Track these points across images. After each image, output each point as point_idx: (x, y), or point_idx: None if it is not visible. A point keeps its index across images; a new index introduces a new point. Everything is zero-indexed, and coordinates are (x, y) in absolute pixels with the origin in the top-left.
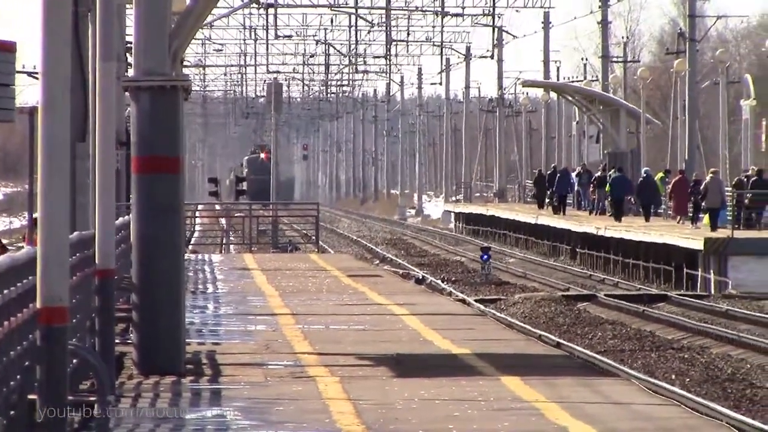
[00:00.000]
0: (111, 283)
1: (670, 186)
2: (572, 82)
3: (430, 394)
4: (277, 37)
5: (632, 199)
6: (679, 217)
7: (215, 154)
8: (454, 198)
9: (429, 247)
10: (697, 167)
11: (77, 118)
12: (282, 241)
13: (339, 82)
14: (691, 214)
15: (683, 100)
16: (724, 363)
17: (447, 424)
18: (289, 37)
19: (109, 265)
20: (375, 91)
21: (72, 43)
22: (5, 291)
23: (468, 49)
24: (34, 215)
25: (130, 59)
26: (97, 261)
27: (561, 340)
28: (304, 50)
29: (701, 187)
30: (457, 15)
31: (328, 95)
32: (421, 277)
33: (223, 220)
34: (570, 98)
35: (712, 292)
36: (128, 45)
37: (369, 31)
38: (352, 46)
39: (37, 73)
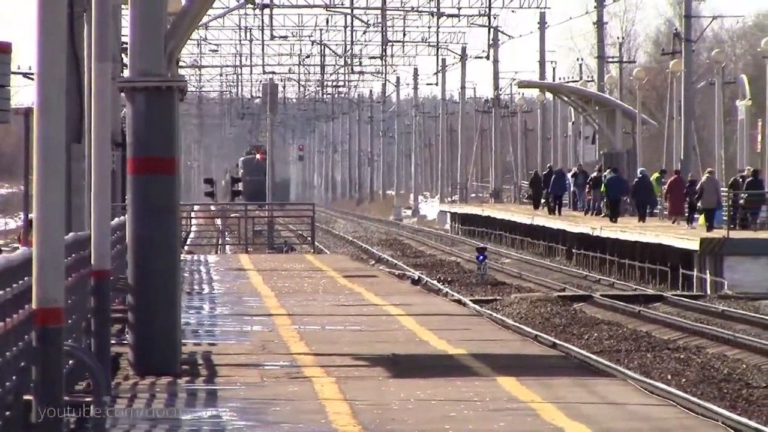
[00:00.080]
0: (107, 283)
1: (665, 186)
2: (568, 82)
3: (426, 395)
4: (272, 37)
5: (628, 200)
6: (674, 218)
7: (211, 154)
8: (449, 198)
9: (425, 247)
10: (693, 168)
11: (73, 119)
12: (278, 241)
13: (335, 83)
14: (686, 215)
15: (679, 101)
16: (720, 363)
17: (443, 424)
18: (285, 37)
19: (104, 265)
20: (371, 91)
21: (67, 43)
22: (0, 292)
23: (464, 49)
24: (30, 216)
25: (126, 60)
26: (92, 262)
27: (557, 341)
28: (300, 51)
29: (697, 188)
30: (452, 15)
31: (324, 96)
32: (417, 278)
33: (218, 221)
34: (566, 99)
35: (708, 292)
36: (124, 46)
37: (365, 32)
38: (348, 47)
39: (32, 74)
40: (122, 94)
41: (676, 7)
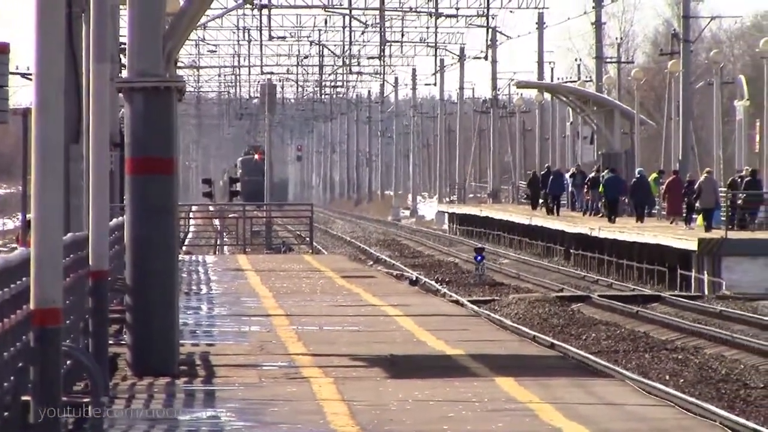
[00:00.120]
0: (104, 284)
1: (663, 187)
2: (566, 82)
3: (424, 395)
4: (270, 38)
5: (626, 200)
6: (672, 218)
7: (209, 155)
8: (448, 199)
9: (423, 248)
10: (691, 168)
11: (71, 119)
12: (276, 242)
13: (333, 83)
14: (684, 215)
15: (677, 101)
16: (718, 363)
17: (441, 425)
18: (283, 38)
19: (102, 266)
20: (369, 92)
21: (66, 44)
22: None
23: (462, 50)
24: (28, 216)
25: (124, 60)
26: (90, 262)
27: (555, 341)
28: (298, 51)
29: (695, 188)
30: (451, 16)
31: (322, 96)
32: (415, 278)
33: (216, 221)
34: (564, 99)
35: (706, 292)
36: (122, 46)
37: (363, 32)
38: (346, 47)
39: (30, 74)
40: (120, 95)
41: (675, 8)
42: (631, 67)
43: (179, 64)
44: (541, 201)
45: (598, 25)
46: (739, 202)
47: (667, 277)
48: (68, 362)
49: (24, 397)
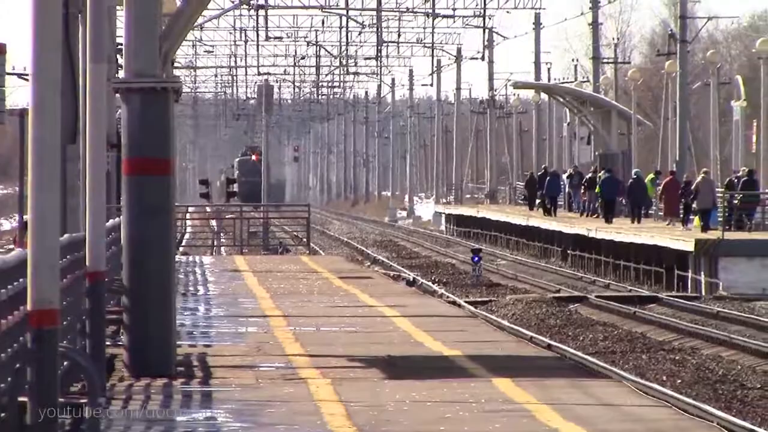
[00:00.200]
0: (101, 285)
1: (660, 187)
2: (563, 83)
3: (421, 396)
4: (267, 38)
5: (623, 201)
6: (669, 219)
7: (206, 155)
8: (445, 200)
9: (420, 248)
10: (688, 168)
11: (68, 120)
12: (273, 242)
13: (330, 84)
14: (681, 216)
15: (674, 102)
16: (715, 364)
17: (438, 425)
18: (280, 38)
19: (99, 267)
20: (366, 92)
21: (62, 44)
22: None
23: (459, 50)
24: (25, 217)
25: (121, 61)
26: (87, 263)
27: (552, 342)
28: (295, 52)
29: (692, 188)
30: (447, 16)
31: (319, 97)
32: (412, 279)
33: (213, 222)
34: (561, 99)
35: (703, 293)
36: (119, 47)
37: (360, 33)
38: (343, 48)
39: (27, 74)
40: (117, 95)
41: (671, 8)
42: (628, 68)
43: (176, 64)
44: (538, 202)
45: (595, 25)
46: (736, 202)
47: (664, 277)
48: (65, 363)
49: (21, 398)
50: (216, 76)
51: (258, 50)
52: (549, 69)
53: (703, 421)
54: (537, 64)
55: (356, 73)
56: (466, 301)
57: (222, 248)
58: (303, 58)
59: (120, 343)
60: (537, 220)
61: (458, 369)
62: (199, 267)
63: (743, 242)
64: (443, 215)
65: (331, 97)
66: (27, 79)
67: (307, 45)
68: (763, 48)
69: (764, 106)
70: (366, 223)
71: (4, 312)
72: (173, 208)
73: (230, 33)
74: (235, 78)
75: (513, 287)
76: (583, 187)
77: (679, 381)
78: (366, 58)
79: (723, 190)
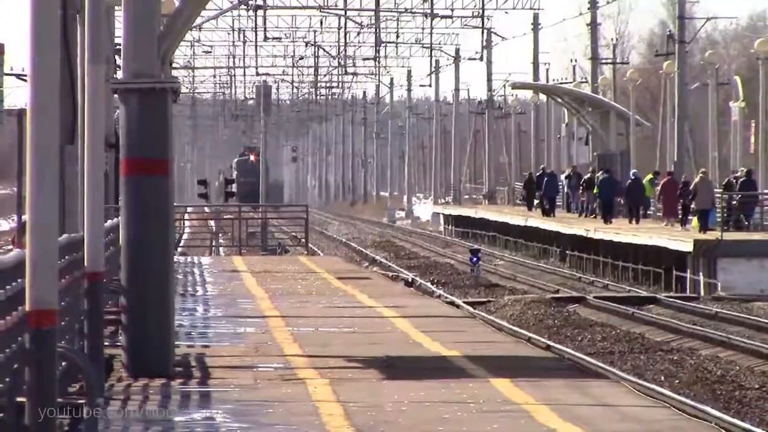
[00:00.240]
0: (100, 285)
1: (659, 188)
2: (561, 83)
3: (419, 397)
4: (266, 38)
5: (622, 201)
6: (667, 219)
7: (204, 156)
8: (443, 200)
9: (418, 249)
10: (687, 169)
11: (66, 120)
12: (271, 243)
13: (328, 84)
14: (680, 216)
15: (672, 102)
16: (714, 365)
17: (437, 426)
18: (278, 38)
19: (98, 267)
20: (364, 93)
21: (61, 45)
22: None
23: (457, 50)
24: (23, 218)
25: (119, 61)
26: (86, 264)
27: (550, 342)
28: (293, 52)
29: (690, 189)
30: (446, 17)
31: (318, 97)
32: (410, 280)
33: (212, 223)
34: (559, 100)
35: (702, 294)
36: (117, 47)
37: (358, 33)
38: (341, 48)
39: (25, 75)
40: (115, 96)
41: (670, 9)
42: (626, 68)
43: (174, 65)
44: (536, 202)
45: (594, 26)
46: (734, 203)
47: (663, 278)
48: (64, 363)
49: (19, 399)
50: (214, 76)
51: (256, 50)
52: (547, 69)
53: (702, 422)
54: (535, 64)
55: (355, 74)
56: (464, 302)
57: (220, 249)
58: (301, 58)
59: (118, 343)
60: (536, 220)
61: (457, 369)
62: (198, 267)
63: (742, 243)
64: (442, 216)
65: (330, 97)
66: (25, 80)
67: (306, 45)
68: (762, 48)
69: (763, 106)
70: (364, 224)
71: (3, 312)
72: (172, 209)
73: (229, 33)
74: (233, 78)
75: (511, 288)
76: (581, 187)
77: (678, 381)
78: (364, 59)
79: (721, 190)
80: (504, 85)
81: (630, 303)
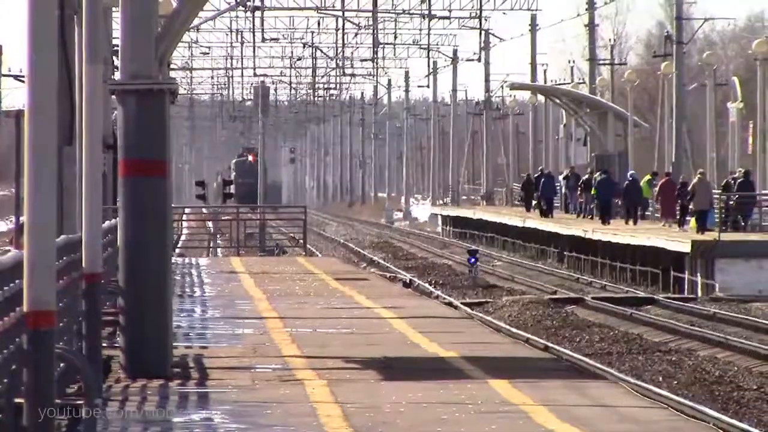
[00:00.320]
0: (98, 286)
1: (656, 189)
2: (559, 84)
3: (417, 398)
4: (263, 39)
5: (619, 202)
6: (665, 220)
7: (202, 157)
8: (441, 201)
9: (416, 250)
10: (685, 170)
11: (64, 121)
12: (269, 244)
13: (326, 85)
14: (678, 217)
15: (670, 103)
16: (712, 365)
17: (435, 427)
18: (276, 39)
19: (96, 268)
20: (362, 94)
21: (58, 46)
22: None
23: (455, 51)
24: (21, 219)
25: (117, 62)
26: (84, 264)
27: (548, 343)
28: (291, 53)
29: (688, 189)
30: (443, 18)
31: (315, 98)
32: (408, 281)
33: (210, 224)
34: (557, 101)
35: (699, 294)
36: (115, 48)
37: (356, 34)
38: (339, 49)
39: (23, 76)
40: (113, 97)
41: (668, 9)
42: (624, 69)
43: (172, 66)
44: (534, 203)
45: (592, 26)
46: (732, 203)
47: (661, 279)
48: (62, 364)
49: (18, 400)
50: (212, 77)
51: (254, 51)
52: (545, 70)
53: (700, 422)
54: (533, 65)
55: (352, 75)
56: (462, 303)
57: (218, 250)
58: (299, 59)
59: (116, 344)
60: (534, 221)
61: (455, 370)
62: (196, 268)
63: (740, 243)
64: (439, 216)
65: (328, 98)
66: (23, 81)
67: (303, 46)
68: (760, 49)
69: (761, 107)
70: (362, 225)
71: (1, 313)
72: (169, 210)
73: (226, 34)
74: (231, 79)
75: (509, 289)
76: (579, 188)
77: (676, 382)
78: (362, 60)
79: (719, 191)
80: (502, 86)
81: (628, 304)
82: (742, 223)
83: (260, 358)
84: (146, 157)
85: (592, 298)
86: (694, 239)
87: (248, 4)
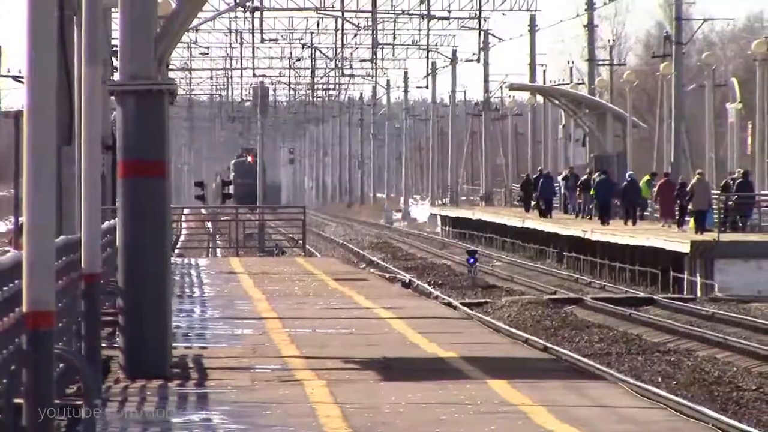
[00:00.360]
0: (97, 287)
1: (655, 189)
2: (558, 85)
3: (417, 398)
4: (263, 40)
5: (618, 203)
6: (664, 221)
7: (201, 157)
8: (440, 202)
9: (415, 250)
10: (683, 170)
11: (63, 122)
12: (269, 244)
13: (325, 86)
14: (677, 217)
15: (669, 104)
16: (711, 366)
17: (434, 427)
18: (275, 40)
19: (95, 269)
20: (361, 94)
21: (57, 47)
22: None
23: (454, 52)
24: (20, 219)
25: (116, 63)
26: (83, 265)
27: (548, 344)
28: (290, 54)
29: (687, 190)
30: (443, 18)
31: (314, 99)
32: (407, 281)
33: (209, 224)
34: (556, 101)
35: (698, 295)
36: (114, 49)
37: (355, 35)
38: (338, 50)
39: (22, 77)
40: (112, 98)
41: (667, 10)
42: (623, 70)
43: (171, 66)
44: (533, 204)
45: (591, 27)
46: (731, 204)
47: (660, 279)
48: (61, 365)
49: (17, 400)
50: (211, 78)
51: (253, 52)
52: (544, 71)
53: (699, 423)
54: (532, 66)
55: (351, 75)
56: (461, 303)
57: (217, 250)
58: (298, 60)
59: (116, 344)
60: (533, 222)
61: (454, 371)
62: (195, 269)
63: (739, 244)
64: (439, 217)
65: (327, 99)
66: (22, 81)
67: (302, 47)
68: (759, 50)
69: (759, 107)
70: (361, 225)
71: (0, 314)
72: (169, 210)
73: (225, 35)
74: (230, 80)
75: (508, 289)
76: (578, 189)
77: (675, 383)
78: (361, 60)
79: (718, 191)
80: (501, 87)
81: (627, 304)
82: (741, 224)
83: (259, 359)
84: (145, 157)
85: (592, 298)
86: (693, 239)
87: (247, 4)
